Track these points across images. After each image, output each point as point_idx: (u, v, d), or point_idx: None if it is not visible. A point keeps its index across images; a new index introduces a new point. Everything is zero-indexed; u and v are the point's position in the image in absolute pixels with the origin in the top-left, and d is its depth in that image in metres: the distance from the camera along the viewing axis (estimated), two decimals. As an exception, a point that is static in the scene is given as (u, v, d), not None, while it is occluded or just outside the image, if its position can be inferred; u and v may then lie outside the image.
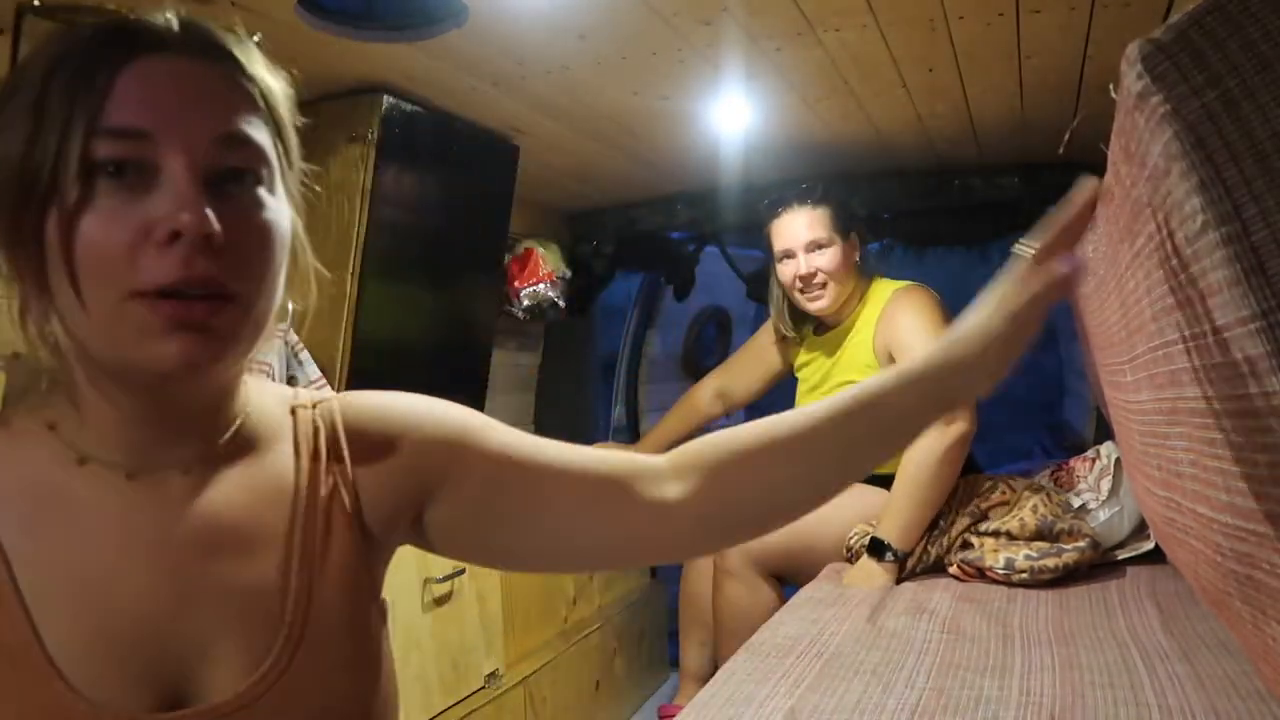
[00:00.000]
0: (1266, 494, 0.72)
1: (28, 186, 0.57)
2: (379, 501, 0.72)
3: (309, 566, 0.67)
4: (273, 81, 0.65)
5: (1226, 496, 0.82)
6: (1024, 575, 1.84)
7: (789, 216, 2.21)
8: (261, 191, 0.62)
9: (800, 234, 2.18)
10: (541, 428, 3.19)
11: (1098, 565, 1.92)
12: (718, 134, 2.12)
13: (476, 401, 2.28)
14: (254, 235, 0.61)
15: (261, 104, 0.63)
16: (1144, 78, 0.66)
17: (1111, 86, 0.81)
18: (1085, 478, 2.15)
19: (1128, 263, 1.02)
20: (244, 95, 0.62)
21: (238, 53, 0.63)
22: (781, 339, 2.46)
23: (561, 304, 2.61)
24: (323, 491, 0.70)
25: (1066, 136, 1.51)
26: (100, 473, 0.63)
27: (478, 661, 1.92)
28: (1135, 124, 0.72)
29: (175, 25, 0.61)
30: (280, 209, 0.64)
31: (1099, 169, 1.10)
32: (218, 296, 0.59)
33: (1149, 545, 1.97)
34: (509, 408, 2.83)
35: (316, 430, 0.72)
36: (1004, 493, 2.00)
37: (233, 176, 0.60)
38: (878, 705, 1.23)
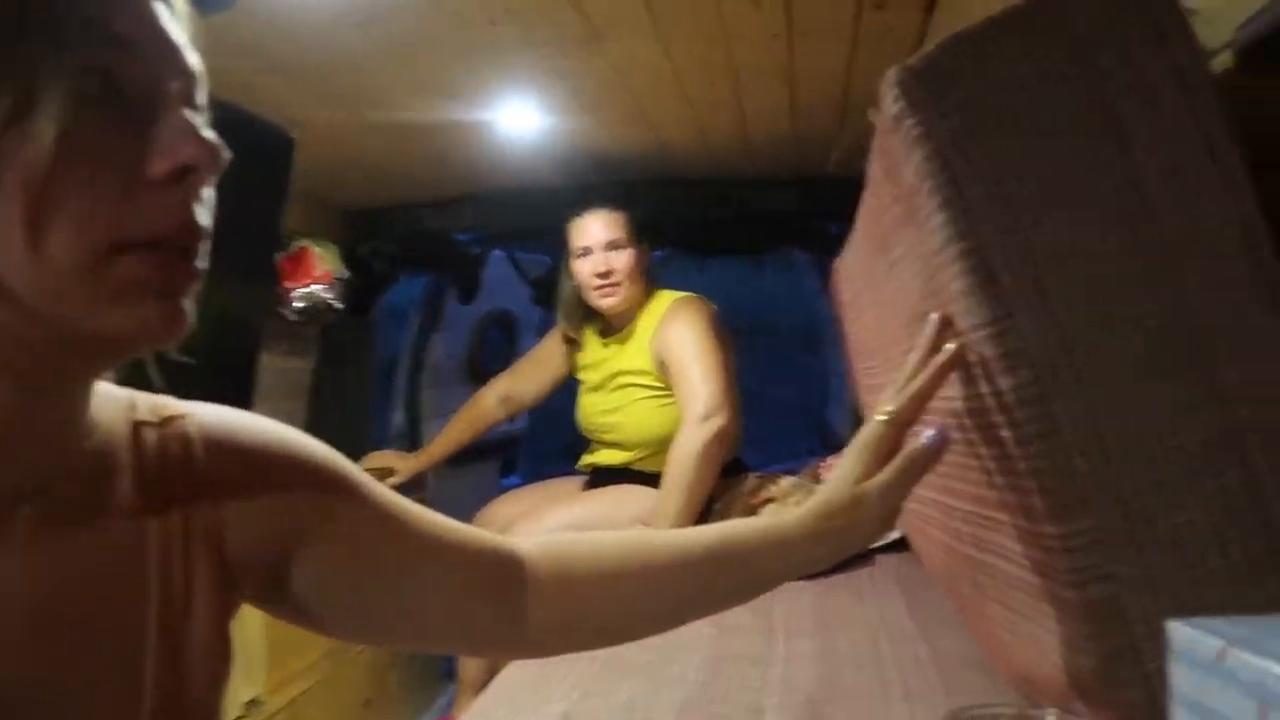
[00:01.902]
0: (994, 483, 0.80)
1: None
2: (242, 547, 0.61)
3: (171, 633, 0.56)
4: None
5: (963, 485, 0.91)
6: (790, 569, 1.95)
7: (590, 216, 2.30)
8: None
9: (600, 233, 2.28)
10: (315, 435, 3.05)
11: (853, 556, 2.06)
12: (506, 136, 2.11)
13: (241, 408, 2.14)
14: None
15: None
16: (900, 101, 0.72)
17: (870, 111, 0.88)
18: (843, 476, 2.31)
19: (883, 274, 1.10)
20: (193, 33, 0.54)
21: None
22: (567, 342, 2.51)
23: (339, 306, 2.50)
24: (182, 539, 0.58)
25: (833, 156, 1.62)
26: None
27: (234, 690, 1.80)
28: (892, 145, 0.78)
29: None
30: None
31: (864, 184, 1.19)
32: (193, 257, 0.49)
33: (896, 534, 2.14)
34: (278, 415, 2.63)
35: (166, 456, 0.58)
36: (770, 491, 2.11)
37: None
38: (649, 704, 1.27)
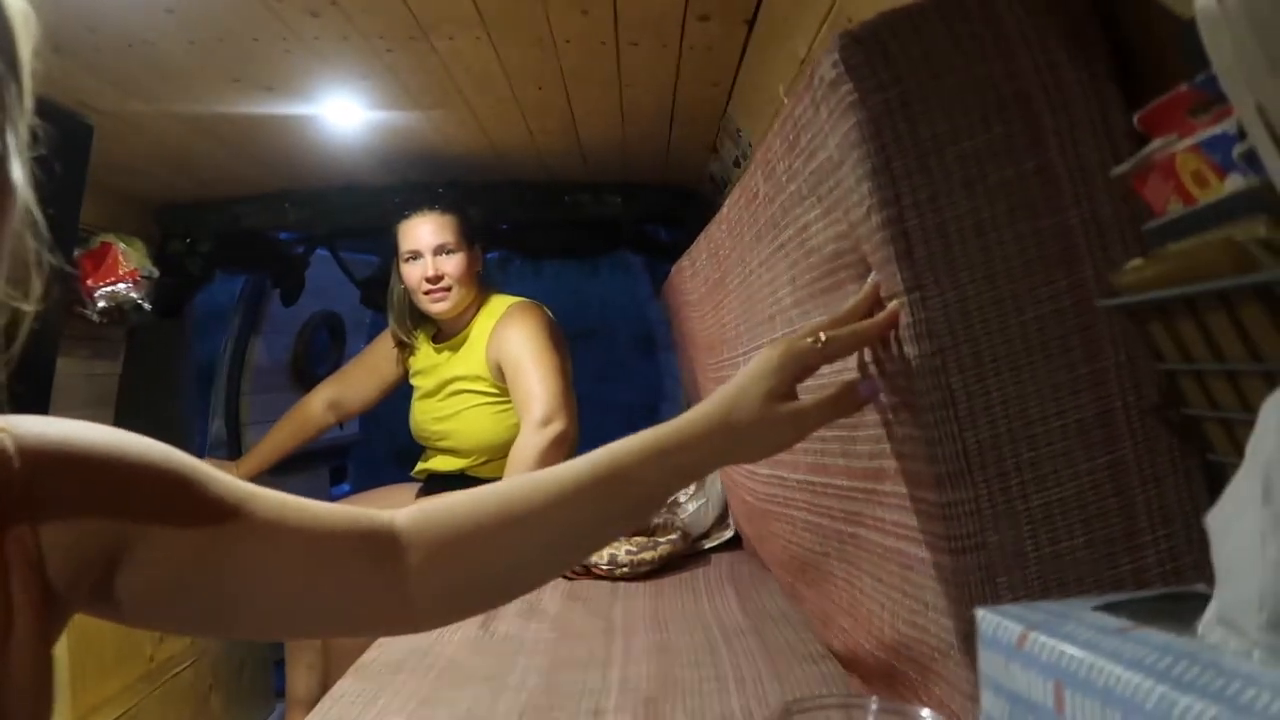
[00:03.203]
0: (879, 452, 0.84)
1: None
2: (67, 563, 0.58)
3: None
4: (17, 4, 0.51)
5: (844, 461, 0.94)
6: (625, 569, 1.97)
7: (419, 219, 2.23)
8: None
9: (429, 237, 2.22)
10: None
11: (687, 555, 2.11)
12: (329, 132, 2.03)
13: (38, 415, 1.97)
14: None
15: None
16: (838, 67, 0.73)
17: (781, 88, 0.89)
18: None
19: (764, 259, 1.12)
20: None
21: None
22: (399, 345, 2.44)
23: (147, 306, 2.34)
24: None
25: (714, 158, 1.64)
26: None
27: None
28: (813, 117, 0.80)
29: None
30: (15, 166, 0.50)
31: (695, 192, 1.21)
32: None
33: (730, 533, 2.20)
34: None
35: None
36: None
37: None
38: (489, 711, 1.25)
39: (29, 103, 0.53)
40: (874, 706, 0.70)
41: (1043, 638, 0.48)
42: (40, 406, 1.97)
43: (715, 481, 2.20)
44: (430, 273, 2.21)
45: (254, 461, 2.54)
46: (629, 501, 0.75)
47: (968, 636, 0.75)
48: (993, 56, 0.73)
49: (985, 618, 0.54)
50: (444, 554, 0.71)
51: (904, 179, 0.72)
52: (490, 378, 2.25)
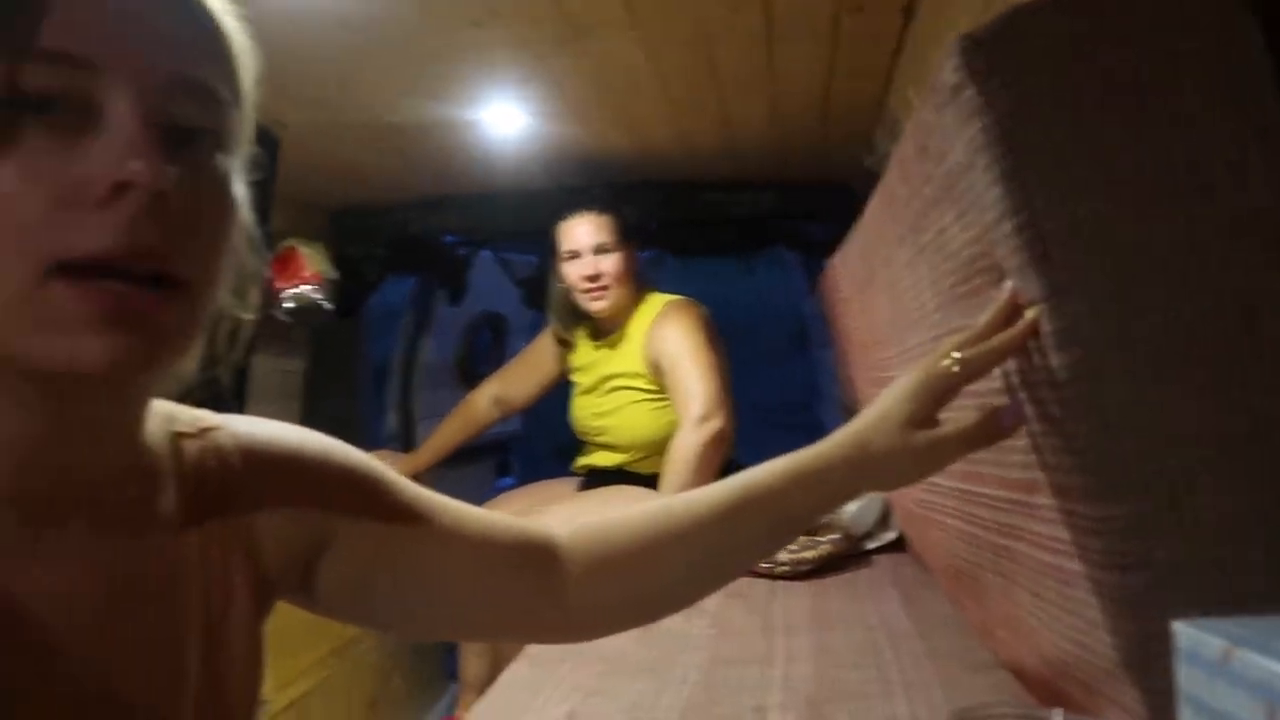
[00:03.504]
0: (1030, 463, 0.80)
1: None
2: (279, 553, 0.64)
3: (210, 638, 0.58)
4: (241, 38, 0.54)
5: (997, 470, 0.90)
6: (785, 568, 1.95)
7: (577, 219, 2.29)
8: (220, 160, 0.50)
9: (587, 237, 2.27)
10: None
11: (848, 556, 2.07)
12: (491, 138, 2.10)
13: (237, 409, 2.12)
14: (212, 211, 0.49)
15: (229, 58, 0.52)
16: (960, 70, 0.71)
17: (910, 90, 0.87)
18: (836, 474, 2.31)
19: (907, 260, 1.09)
20: (211, 40, 0.51)
21: None
22: (559, 344, 2.51)
23: (328, 306, 2.49)
24: (220, 548, 0.60)
25: (874, 156, 1.61)
26: (8, 515, 0.49)
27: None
28: (941, 120, 0.77)
29: None
30: (239, 188, 0.53)
31: (851, 186, 1.18)
32: (163, 281, 0.46)
33: (893, 535, 2.14)
34: (273, 416, 2.64)
35: (204, 467, 0.60)
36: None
37: (188, 136, 0.48)
38: (653, 704, 1.26)
39: (250, 129, 0.57)
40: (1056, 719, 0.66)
41: (1251, 655, 0.44)
42: (239, 402, 2.13)
43: (876, 480, 2.15)
44: (589, 271, 2.26)
45: (425, 455, 2.67)
46: (767, 526, 0.76)
47: (1139, 657, 0.70)
48: (1126, 46, 0.68)
49: (1183, 632, 0.50)
50: (600, 572, 0.74)
51: (1036, 181, 0.69)
52: (647, 374, 2.27)
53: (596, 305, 2.30)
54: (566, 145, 2.23)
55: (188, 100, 0.49)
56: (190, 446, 0.60)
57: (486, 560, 0.71)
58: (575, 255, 2.28)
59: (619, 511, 0.78)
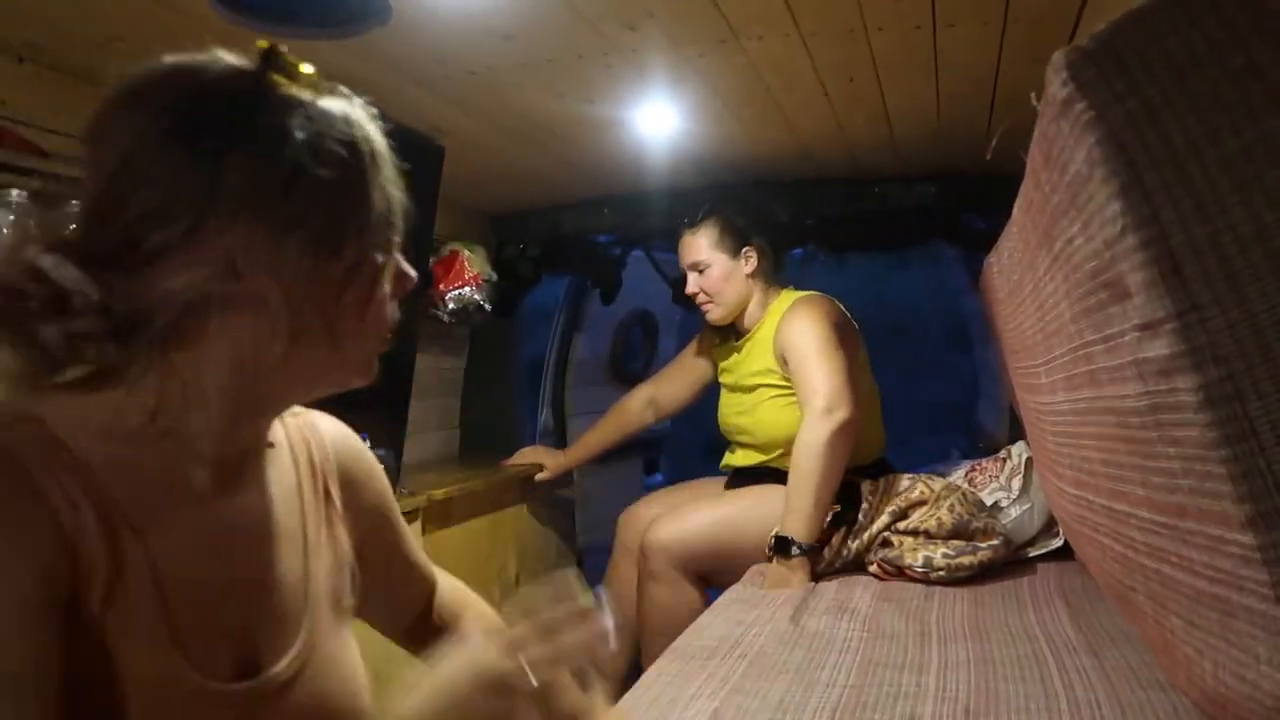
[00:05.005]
0: (1177, 486, 0.75)
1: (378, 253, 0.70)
2: (347, 520, 0.84)
3: (316, 563, 0.77)
4: (379, 141, 0.75)
5: (1143, 491, 0.85)
6: (941, 573, 1.89)
7: (681, 240, 2.40)
8: None
9: (684, 257, 2.39)
10: (467, 430, 3.15)
11: (1010, 562, 1.99)
12: (643, 139, 2.13)
13: (402, 406, 2.25)
14: None
15: None
16: (1069, 85, 0.68)
17: (1034, 95, 0.84)
18: (997, 477, 2.22)
19: (1046, 267, 1.05)
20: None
21: None
22: (709, 346, 2.57)
23: (487, 307, 2.59)
24: (319, 499, 0.80)
25: (993, 143, 1.55)
26: (203, 471, 0.69)
27: (398, 670, 1.89)
28: (1059, 131, 0.75)
29: None
30: (404, 263, 0.78)
31: (1016, 177, 1.14)
32: None
33: (1058, 542, 2.04)
34: (434, 411, 2.79)
35: (306, 442, 0.82)
36: (923, 492, 2.05)
37: None
38: (800, 704, 1.25)
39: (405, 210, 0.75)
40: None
41: None
42: (403, 399, 2.25)
43: (1040, 487, 2.05)
44: (692, 290, 2.38)
45: (578, 453, 2.75)
46: None
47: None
48: (1254, 44, 0.63)
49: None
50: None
51: (1160, 193, 0.64)
52: (779, 370, 2.28)
53: (709, 317, 2.40)
54: (720, 144, 2.23)
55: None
56: (292, 424, 0.81)
57: (410, 584, 0.97)
58: (685, 273, 2.39)
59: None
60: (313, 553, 0.78)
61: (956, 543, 1.93)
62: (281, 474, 0.77)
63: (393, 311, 0.72)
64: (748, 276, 2.35)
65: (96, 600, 0.60)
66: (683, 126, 2.06)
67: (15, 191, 1.57)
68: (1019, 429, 2.17)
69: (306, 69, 0.68)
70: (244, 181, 0.62)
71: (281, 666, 0.71)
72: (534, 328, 3.38)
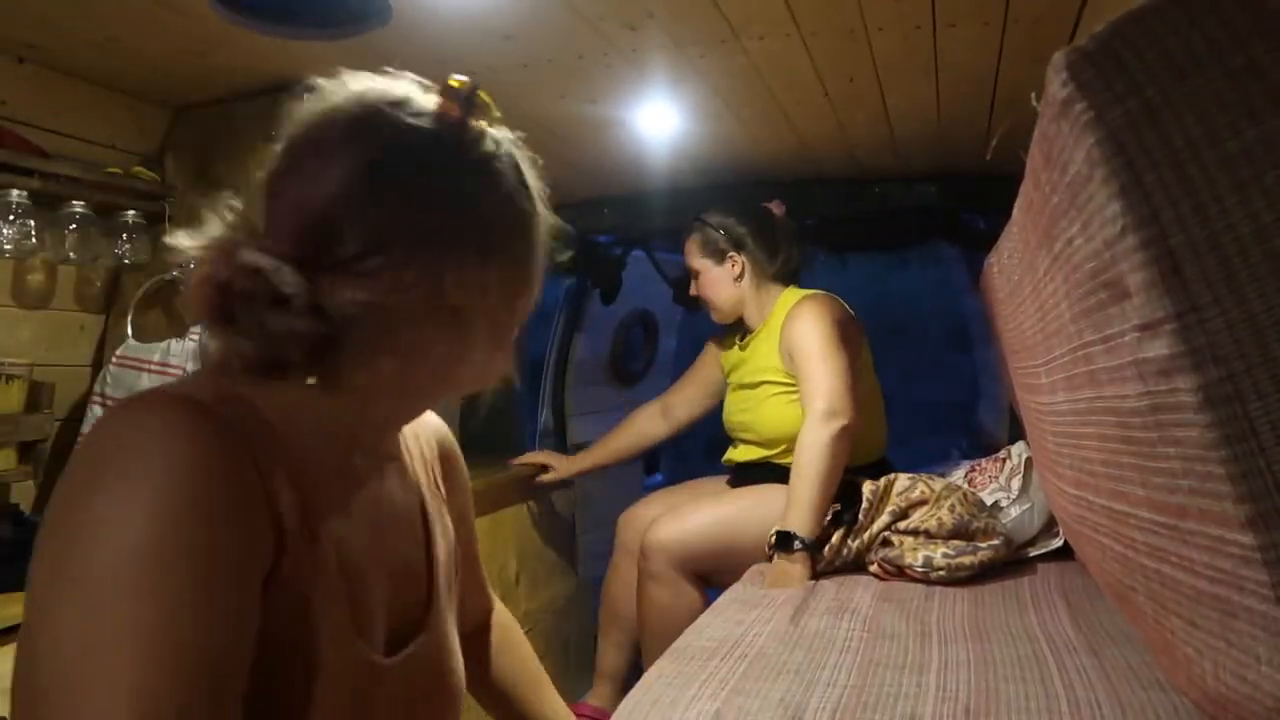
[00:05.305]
0: (1177, 487, 0.75)
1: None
2: (451, 512, 0.92)
3: (436, 547, 0.85)
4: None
5: (1143, 491, 0.85)
6: (941, 573, 1.89)
7: (684, 244, 2.47)
8: None
9: (686, 260, 2.47)
10: (467, 431, 3.14)
11: (1010, 562, 1.98)
12: (644, 139, 2.13)
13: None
14: None
15: None
16: (1069, 85, 0.68)
17: (1034, 95, 0.84)
18: (997, 477, 2.22)
19: (1046, 267, 1.05)
20: None
21: None
22: (716, 352, 2.61)
23: (487, 307, 2.58)
24: (434, 487, 0.89)
25: (993, 143, 1.55)
26: (363, 458, 0.77)
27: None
28: (1059, 131, 0.75)
29: None
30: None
31: (1017, 177, 1.13)
32: None
33: (1058, 542, 2.04)
34: (436, 410, 2.78)
35: (417, 435, 0.91)
36: (924, 492, 2.05)
37: None
38: (801, 704, 1.25)
39: None
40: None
41: None
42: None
43: (1041, 487, 2.05)
44: (694, 294, 2.46)
45: (586, 462, 2.74)
46: None
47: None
48: (1253, 44, 0.63)
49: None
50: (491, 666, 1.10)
51: (1160, 193, 0.65)
52: (784, 368, 2.29)
53: (714, 318, 2.47)
54: (720, 144, 2.24)
55: None
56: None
57: (473, 593, 1.05)
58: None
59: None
60: (435, 536, 0.85)
61: (957, 542, 1.93)
62: (406, 463, 0.85)
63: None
64: (735, 280, 2.38)
65: (294, 578, 0.64)
66: (683, 127, 2.06)
67: (15, 191, 1.58)
68: (1019, 429, 2.17)
69: (494, 109, 0.79)
70: (451, 219, 0.71)
71: (420, 643, 0.78)
72: (534, 328, 3.38)
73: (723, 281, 2.38)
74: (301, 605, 0.65)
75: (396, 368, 0.72)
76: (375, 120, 0.71)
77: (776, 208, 2.46)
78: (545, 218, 0.80)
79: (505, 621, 1.13)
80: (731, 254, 2.37)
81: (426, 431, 0.94)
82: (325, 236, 0.68)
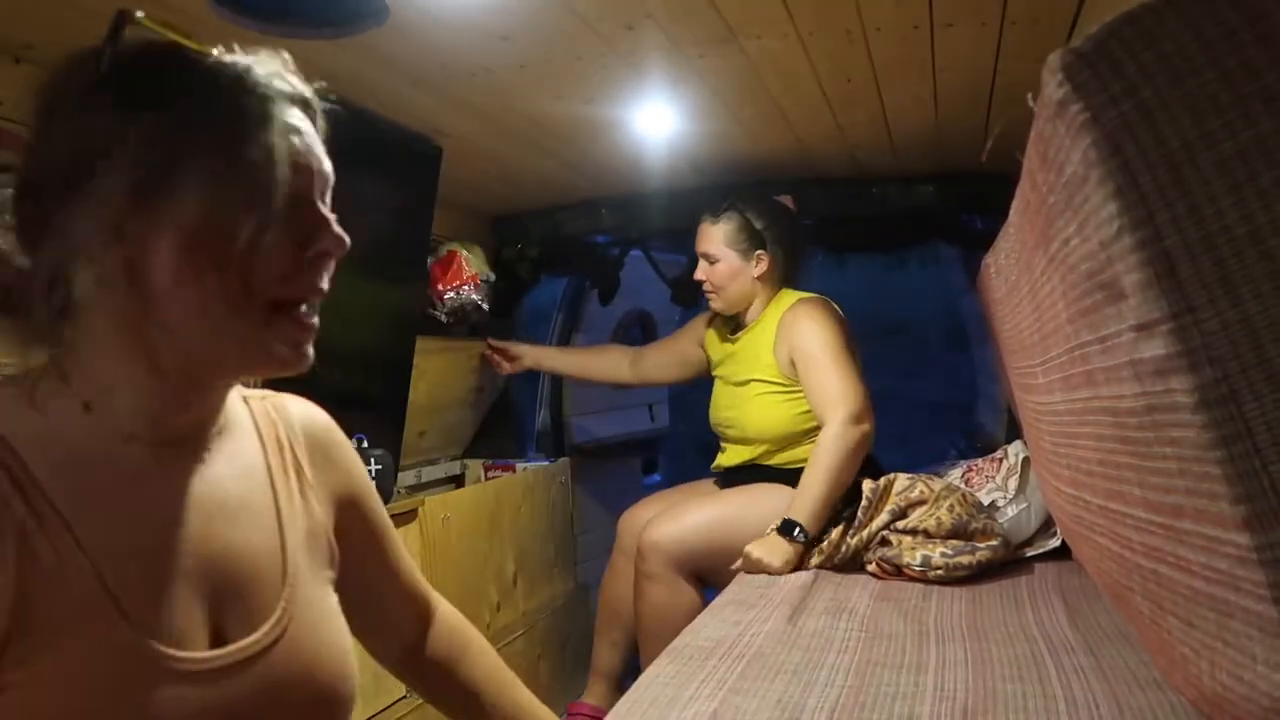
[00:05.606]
0: (1173, 487, 0.75)
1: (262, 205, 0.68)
2: (320, 494, 0.87)
3: (292, 533, 0.80)
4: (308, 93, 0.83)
5: (1140, 491, 0.86)
6: (939, 573, 1.89)
7: (701, 225, 2.42)
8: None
9: (701, 244, 2.42)
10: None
11: (1008, 562, 1.99)
12: (642, 139, 2.13)
13: (400, 406, 2.25)
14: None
15: None
16: (1064, 86, 0.68)
17: (1030, 96, 0.84)
18: (993, 477, 2.22)
19: (1042, 268, 1.05)
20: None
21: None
22: (703, 334, 2.61)
23: (485, 307, 2.59)
24: (288, 472, 0.84)
25: (988, 144, 1.55)
26: (141, 449, 0.70)
27: (381, 687, 1.89)
28: (1055, 132, 0.75)
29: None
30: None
31: (1015, 177, 1.14)
32: (314, 314, 0.73)
33: (1055, 542, 2.04)
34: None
35: (273, 421, 0.85)
36: (922, 491, 2.05)
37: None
38: (799, 704, 1.25)
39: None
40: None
41: None
42: (401, 399, 2.24)
43: (1038, 487, 2.06)
44: (700, 276, 2.42)
45: (552, 362, 2.87)
46: None
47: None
48: (1248, 46, 0.63)
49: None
50: (442, 666, 1.04)
51: (1155, 194, 0.65)
52: (778, 368, 2.30)
53: (712, 305, 2.45)
54: (719, 145, 2.24)
55: (329, 188, 0.76)
56: (258, 406, 0.85)
57: (398, 599, 0.99)
58: (697, 257, 2.42)
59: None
60: (287, 525, 0.80)
61: (955, 542, 1.93)
62: (246, 450, 0.80)
63: (313, 280, 0.72)
64: (755, 279, 2.37)
65: (43, 601, 0.62)
66: (681, 127, 2.06)
67: (13, 191, 1.58)
68: (1016, 429, 2.17)
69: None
70: (136, 138, 0.66)
71: (258, 636, 0.73)
72: (533, 328, 3.38)
73: (743, 276, 2.37)
74: (53, 610, 0.63)
75: (92, 342, 0.68)
76: (69, 60, 0.78)
77: (790, 203, 2.47)
78: (277, 147, 0.71)
79: (456, 625, 1.07)
80: (760, 251, 2.36)
81: (289, 418, 0.87)
82: (29, 169, 0.72)
